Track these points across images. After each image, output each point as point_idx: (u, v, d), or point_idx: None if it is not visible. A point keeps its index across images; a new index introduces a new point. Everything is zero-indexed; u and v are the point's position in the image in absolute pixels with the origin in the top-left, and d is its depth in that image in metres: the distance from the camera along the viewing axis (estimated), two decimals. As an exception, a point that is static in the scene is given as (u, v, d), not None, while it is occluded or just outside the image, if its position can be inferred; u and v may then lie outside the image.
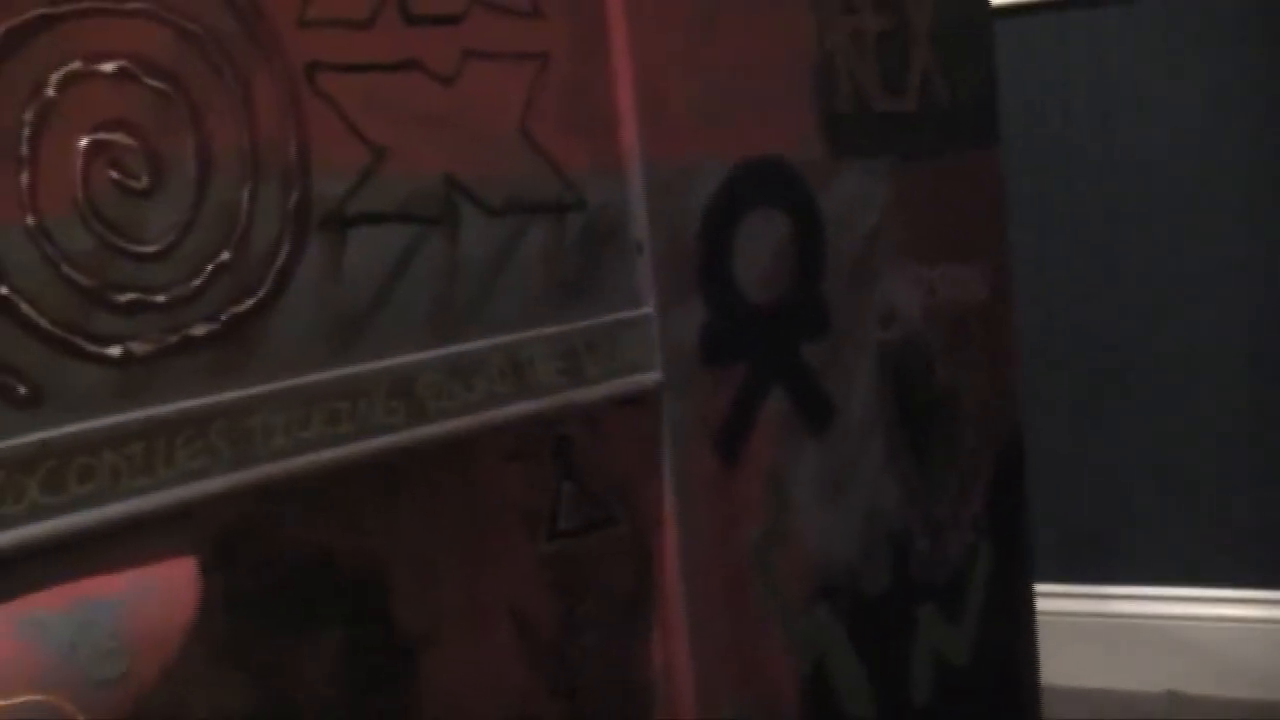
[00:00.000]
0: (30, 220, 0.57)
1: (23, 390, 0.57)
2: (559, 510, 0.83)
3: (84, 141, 0.58)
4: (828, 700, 0.89)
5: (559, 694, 0.85)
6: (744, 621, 0.84)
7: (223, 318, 0.63)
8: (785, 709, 0.86)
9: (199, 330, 0.62)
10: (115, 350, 0.60)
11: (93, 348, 0.59)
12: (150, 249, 0.61)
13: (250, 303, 0.63)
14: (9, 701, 0.56)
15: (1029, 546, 1.08)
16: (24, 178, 0.56)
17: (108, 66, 0.58)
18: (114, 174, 0.59)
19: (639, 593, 0.81)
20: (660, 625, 0.80)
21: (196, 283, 0.62)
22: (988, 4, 1.02)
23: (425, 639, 0.91)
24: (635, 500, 0.80)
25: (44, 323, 0.57)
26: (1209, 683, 2.31)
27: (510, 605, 0.85)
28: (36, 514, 0.57)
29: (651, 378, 0.77)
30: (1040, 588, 1.13)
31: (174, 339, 0.61)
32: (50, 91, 0.57)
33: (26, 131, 0.57)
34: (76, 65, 0.58)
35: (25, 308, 0.57)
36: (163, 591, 0.60)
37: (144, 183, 0.60)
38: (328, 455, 0.66)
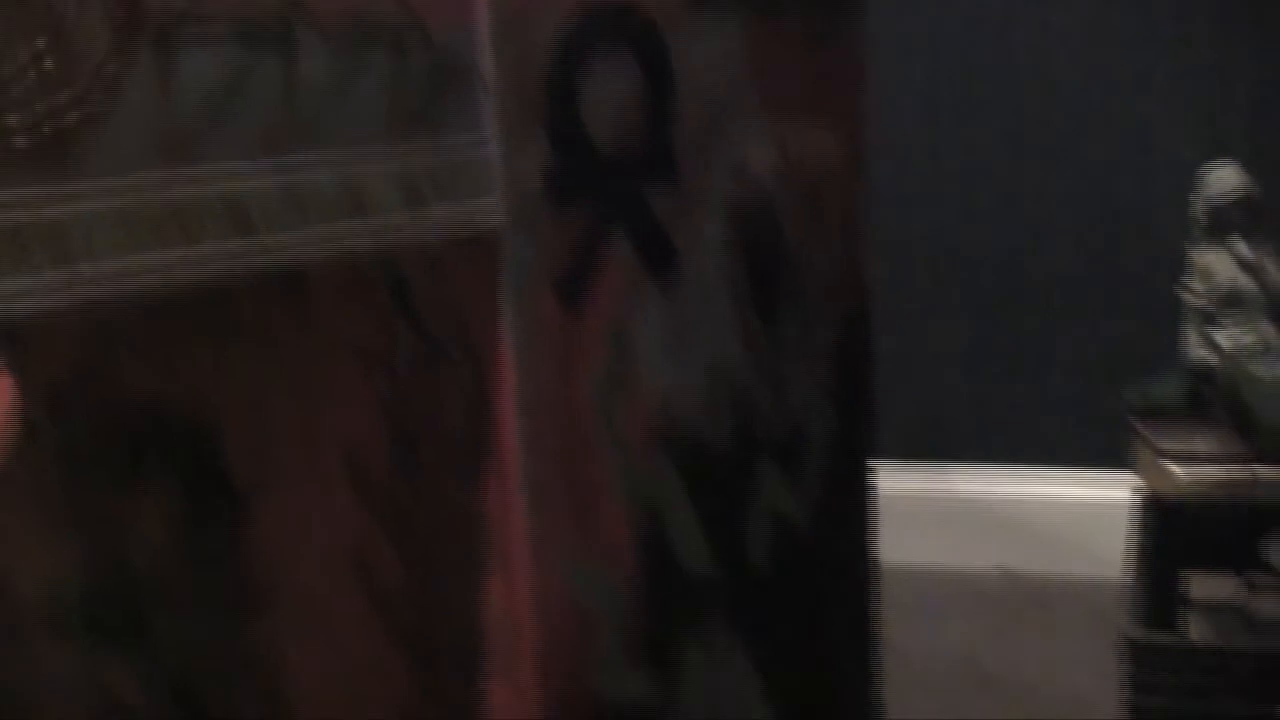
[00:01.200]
0: None
1: None
2: (395, 351, 0.81)
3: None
4: (664, 553, 0.89)
5: (392, 538, 0.84)
6: (582, 469, 0.83)
7: (45, 130, 0.60)
8: (622, 559, 0.86)
9: (20, 141, 0.59)
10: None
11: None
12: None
13: (73, 115, 0.61)
14: None
15: (873, 420, 1.09)
16: None
17: None
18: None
19: (476, 437, 0.80)
20: (497, 471, 0.80)
21: (16, 92, 0.59)
22: None
23: (258, 485, 0.89)
24: (474, 343, 0.79)
25: None
26: (1039, 560, 2.37)
27: (344, 448, 0.84)
28: None
29: (492, 216, 0.76)
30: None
31: (-12, 142, 0.59)
32: None
33: None
34: None
35: None
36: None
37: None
38: (158, 279, 0.63)
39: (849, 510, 1.06)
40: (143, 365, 0.90)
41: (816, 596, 1.03)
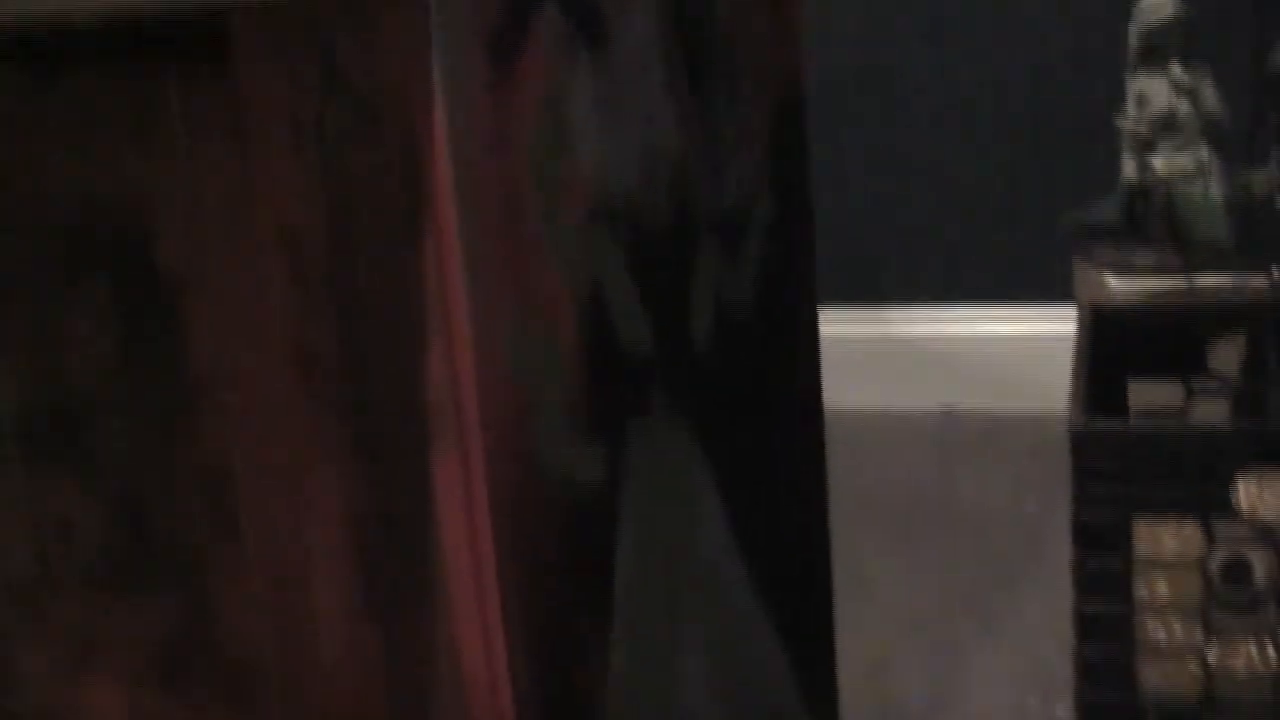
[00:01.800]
0: None
1: None
2: (325, 120, 0.80)
3: None
4: (604, 329, 0.89)
5: (331, 315, 0.83)
6: (520, 241, 0.82)
7: None
8: (562, 334, 0.86)
9: None
10: None
11: None
12: None
13: None
14: None
15: (810, 209, 1.08)
16: None
17: None
18: None
19: (411, 208, 0.79)
20: (433, 241, 0.79)
21: None
22: None
23: (192, 277, 0.88)
24: (405, 110, 0.77)
25: None
26: (985, 397, 2.39)
27: (278, 227, 0.83)
28: None
29: (420, -27, 0.74)
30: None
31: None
32: None
33: None
34: None
35: None
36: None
37: None
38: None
39: (791, 297, 1.05)
40: (64, 158, 0.88)
41: (761, 383, 1.03)
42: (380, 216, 0.81)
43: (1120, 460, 1.47)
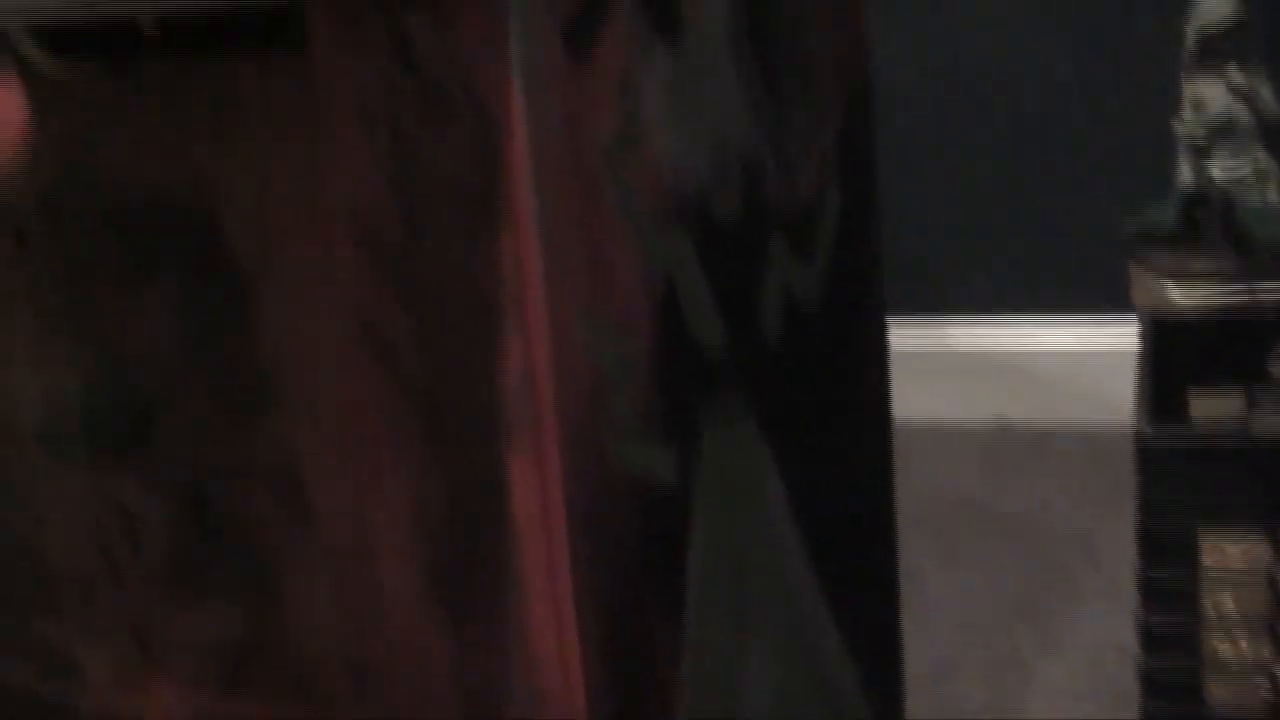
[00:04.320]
0: None
1: None
2: (400, 106, 0.80)
3: None
4: (677, 323, 0.88)
5: (405, 304, 0.83)
6: (596, 230, 0.82)
7: None
8: (637, 324, 0.85)
9: None
10: None
11: None
12: None
13: None
14: None
15: (878, 203, 1.07)
16: None
17: None
18: None
19: (486, 193, 0.78)
20: (509, 228, 0.78)
21: None
22: None
23: (263, 267, 0.87)
24: (481, 95, 0.77)
25: None
26: (1039, 409, 2.37)
27: (351, 214, 0.82)
28: None
29: (498, -42, 0.74)
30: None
31: None
32: None
33: None
34: None
35: None
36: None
37: None
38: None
39: (861, 294, 1.04)
40: (138, 150, 0.88)
41: (829, 378, 1.02)
42: (455, 203, 0.80)
43: (1186, 471, 1.45)
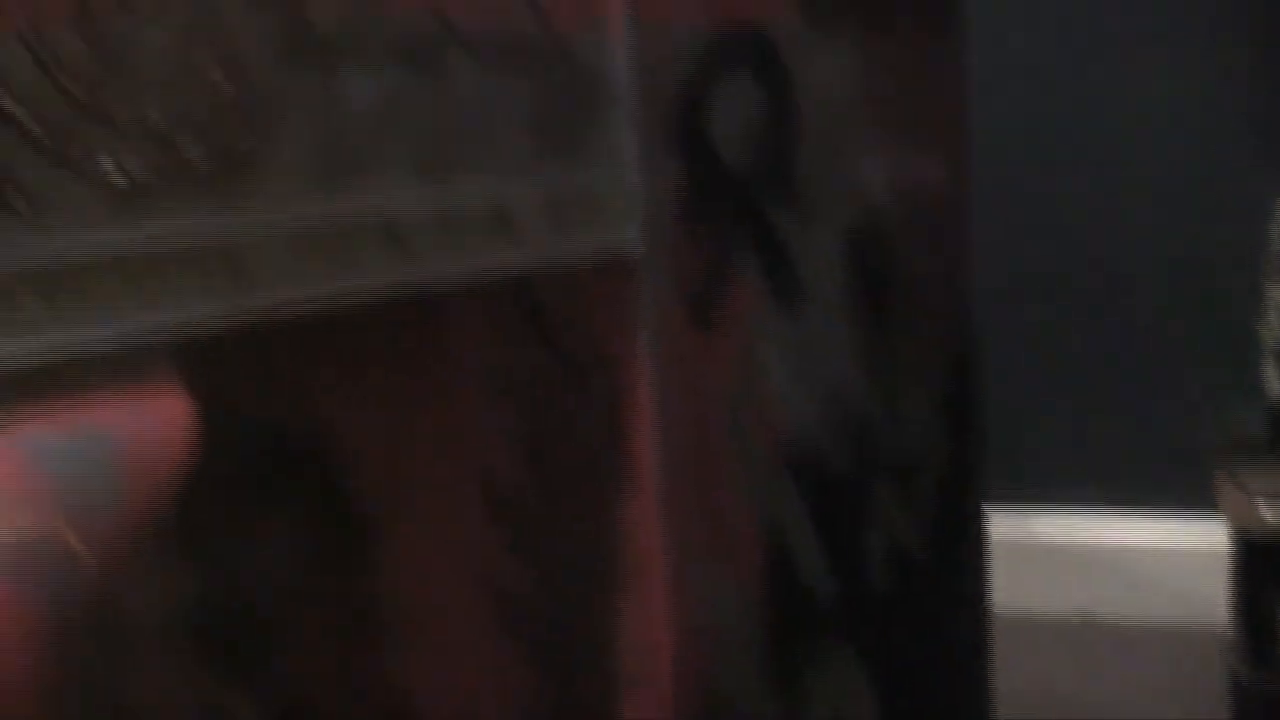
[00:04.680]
0: (28, 28, 0.56)
1: (21, 203, 0.56)
2: (529, 372, 0.83)
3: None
4: (788, 572, 0.90)
5: (526, 557, 0.85)
6: (715, 488, 0.84)
7: (218, 147, 0.62)
8: (750, 577, 0.87)
9: (196, 157, 0.61)
10: (111, 171, 0.59)
11: (90, 166, 0.58)
12: (144, 67, 0.59)
13: (244, 133, 0.63)
14: (13, 527, 0.55)
15: (983, 447, 1.09)
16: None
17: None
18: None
19: (611, 457, 0.81)
20: (632, 489, 0.81)
21: (191, 108, 0.61)
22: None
23: (387, 510, 0.90)
24: (609, 363, 0.80)
25: (42, 136, 0.56)
26: (1122, 605, 2.36)
27: (477, 469, 0.85)
28: (33, 329, 0.57)
29: (629, 237, 0.77)
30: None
31: (170, 165, 0.60)
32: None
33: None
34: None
35: (24, 119, 0.56)
36: (159, 426, 0.59)
37: (143, -1, 0.59)
38: (319, 293, 0.65)
39: (961, 536, 1.06)
40: (271, 389, 0.92)
41: (930, 619, 1.03)
42: (580, 464, 0.83)
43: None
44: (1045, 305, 2.33)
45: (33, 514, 0.56)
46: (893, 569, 0.98)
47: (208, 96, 0.61)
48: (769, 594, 0.88)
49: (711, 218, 0.81)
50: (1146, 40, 2.24)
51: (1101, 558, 2.41)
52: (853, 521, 0.95)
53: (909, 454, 1.00)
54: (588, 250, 0.75)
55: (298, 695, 1.00)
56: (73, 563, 0.57)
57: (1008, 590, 2.29)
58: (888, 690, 0.98)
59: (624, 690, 0.84)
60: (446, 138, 0.69)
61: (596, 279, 0.78)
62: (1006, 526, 2.41)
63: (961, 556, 1.05)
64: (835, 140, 0.91)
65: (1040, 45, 2.30)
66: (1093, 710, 2.12)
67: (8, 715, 0.55)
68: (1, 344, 0.56)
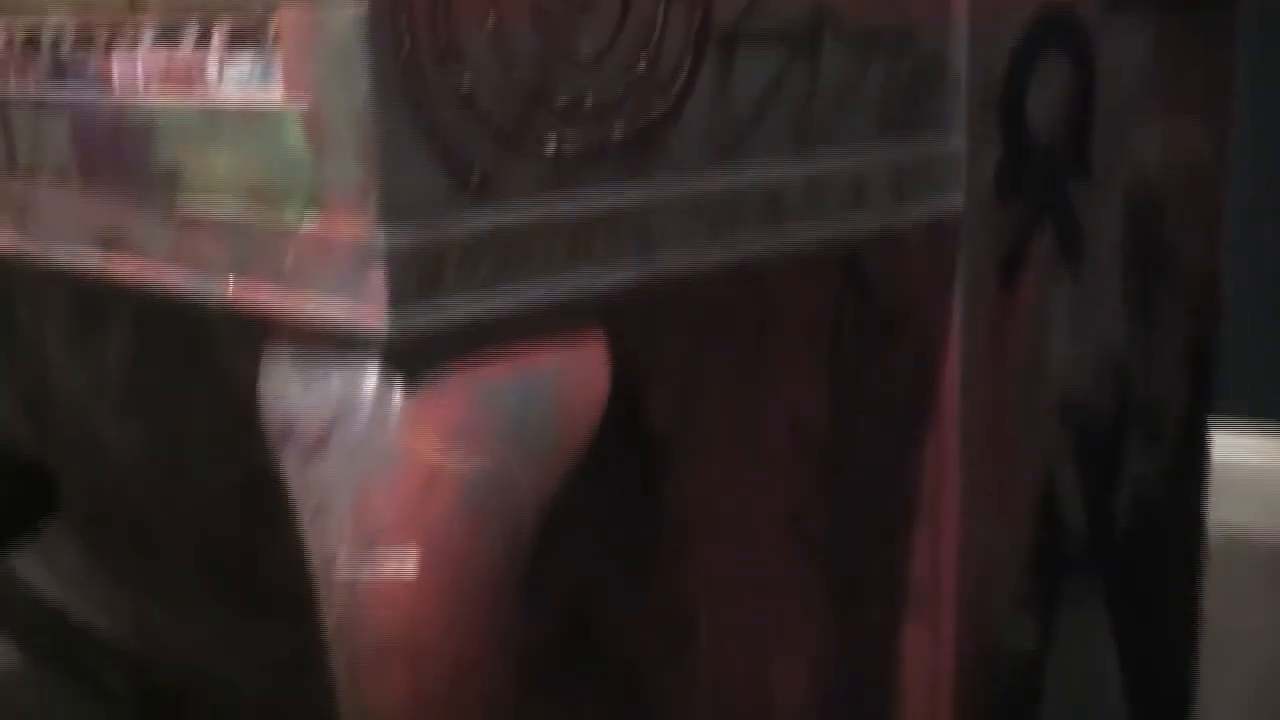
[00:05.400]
0: (492, 24, 0.62)
1: (476, 179, 0.64)
2: (843, 322, 0.90)
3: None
4: (1052, 513, 0.97)
5: (828, 493, 0.93)
6: (1000, 439, 0.91)
7: (636, 125, 0.68)
8: (1023, 518, 0.94)
9: (617, 134, 0.68)
10: (551, 148, 0.66)
11: (533, 144, 0.65)
12: (583, 57, 0.66)
13: (657, 113, 0.69)
14: (470, 459, 0.63)
15: (1210, 401, 1.15)
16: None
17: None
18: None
19: (916, 409, 0.88)
20: (934, 439, 0.87)
21: (618, 91, 0.68)
22: None
23: (680, 439, 0.98)
24: (920, 320, 0.87)
25: (496, 118, 0.63)
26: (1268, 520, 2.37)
27: (787, 408, 0.92)
28: (486, 290, 0.64)
29: (954, 205, 0.83)
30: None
31: (597, 141, 0.67)
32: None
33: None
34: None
35: (483, 103, 0.63)
36: (585, 368, 0.67)
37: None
38: (711, 257, 0.72)
39: (1193, 474, 1.13)
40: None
41: (1160, 553, 1.10)
42: (885, 412, 0.90)
43: None
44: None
45: (484, 446, 0.64)
46: (1134, 505, 1.05)
47: (630, 80, 0.68)
48: (1036, 530, 0.95)
49: (1022, 187, 0.87)
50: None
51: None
52: (1108, 465, 1.02)
53: (1157, 402, 1.06)
54: (918, 214, 0.82)
55: (576, 592, 1.08)
56: (515, 494, 0.65)
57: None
58: (1123, 620, 1.05)
59: (904, 616, 0.92)
60: (817, 115, 0.76)
61: (918, 238, 0.84)
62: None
63: (1191, 493, 1.12)
64: (1122, 113, 0.96)
65: None
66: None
67: (470, 648, 0.63)
68: (460, 298, 0.64)
